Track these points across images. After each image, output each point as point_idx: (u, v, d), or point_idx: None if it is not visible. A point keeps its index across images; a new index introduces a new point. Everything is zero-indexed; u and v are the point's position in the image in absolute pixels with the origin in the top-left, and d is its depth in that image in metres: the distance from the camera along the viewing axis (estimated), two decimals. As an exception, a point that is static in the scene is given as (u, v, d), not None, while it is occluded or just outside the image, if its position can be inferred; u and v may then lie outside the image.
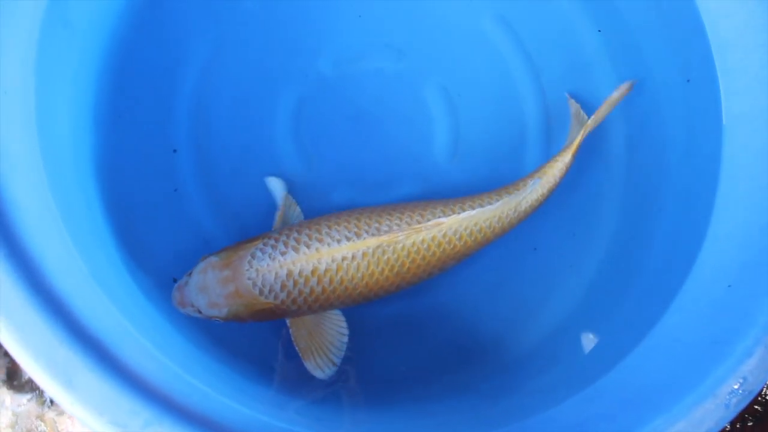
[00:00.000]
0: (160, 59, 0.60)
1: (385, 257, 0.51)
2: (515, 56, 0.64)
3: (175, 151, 0.60)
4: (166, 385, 0.38)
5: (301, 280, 0.50)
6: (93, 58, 0.55)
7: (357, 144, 0.62)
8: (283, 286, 0.50)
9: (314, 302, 0.51)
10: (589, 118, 0.59)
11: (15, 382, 0.57)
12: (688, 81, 0.57)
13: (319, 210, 0.57)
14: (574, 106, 0.61)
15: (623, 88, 0.60)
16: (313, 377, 0.53)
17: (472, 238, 0.54)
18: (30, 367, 0.33)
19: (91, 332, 0.36)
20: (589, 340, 0.55)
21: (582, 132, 0.59)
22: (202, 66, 0.61)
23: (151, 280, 0.52)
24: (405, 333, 0.61)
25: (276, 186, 0.59)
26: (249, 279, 0.50)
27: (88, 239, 0.47)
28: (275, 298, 0.50)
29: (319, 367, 0.53)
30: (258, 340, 0.57)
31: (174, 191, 0.59)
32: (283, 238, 0.51)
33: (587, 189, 0.62)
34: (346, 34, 0.63)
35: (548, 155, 0.64)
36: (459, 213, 0.53)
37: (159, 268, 0.53)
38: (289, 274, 0.50)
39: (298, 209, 0.58)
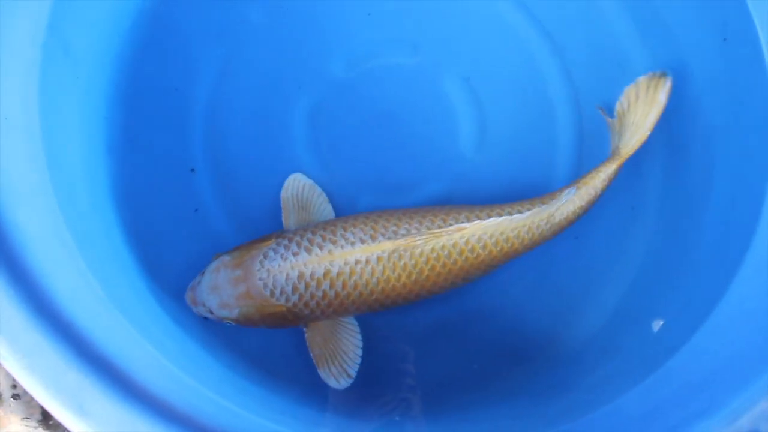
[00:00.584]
0: (169, 79, 0.59)
1: (402, 262, 0.48)
2: (535, 37, 0.61)
3: (192, 170, 0.58)
4: (188, 406, 0.35)
5: (313, 283, 0.48)
6: (99, 83, 0.54)
7: (378, 146, 0.59)
8: (294, 288, 0.48)
9: (327, 307, 0.49)
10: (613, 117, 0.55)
11: (51, 422, 0.56)
12: (725, 40, 0.53)
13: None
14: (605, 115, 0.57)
15: (667, 87, 0.54)
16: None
17: (498, 248, 0.50)
18: (38, 393, 0.30)
19: (102, 353, 0.33)
20: (649, 326, 0.51)
21: (634, 144, 0.54)
22: (213, 82, 0.60)
23: (176, 301, 0.50)
24: (448, 339, 0.57)
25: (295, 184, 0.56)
26: (260, 279, 0.48)
27: (107, 265, 0.45)
28: (287, 300, 0.48)
29: (333, 376, 0.50)
30: (290, 357, 0.54)
31: (195, 211, 0.57)
32: (297, 238, 0.49)
33: (627, 169, 0.58)
34: (357, 34, 0.61)
35: (580, 140, 0.60)
36: (484, 219, 0.49)
37: (183, 288, 0.51)
38: (301, 275, 0.48)
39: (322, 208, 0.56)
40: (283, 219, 0.54)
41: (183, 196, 0.57)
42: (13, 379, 0.57)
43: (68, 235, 0.42)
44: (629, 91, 0.55)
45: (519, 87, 0.61)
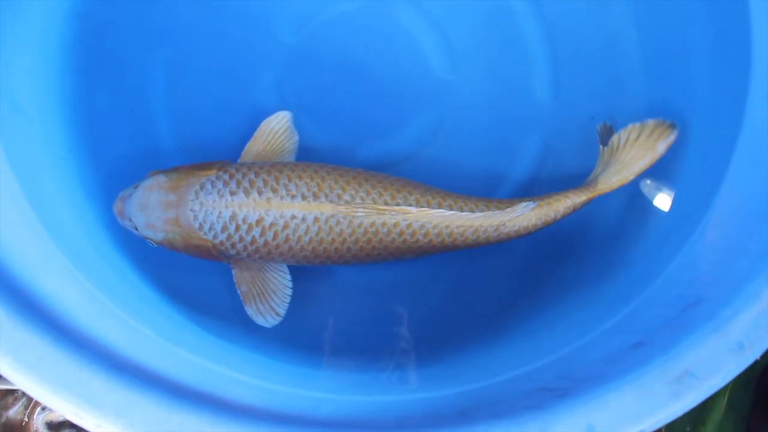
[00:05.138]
0: (121, 100, 0.57)
1: (339, 228, 0.47)
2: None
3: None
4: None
5: (244, 227, 0.47)
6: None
7: (354, 96, 0.58)
8: (224, 228, 0.47)
9: (254, 252, 0.48)
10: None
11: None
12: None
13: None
14: (604, 130, 0.53)
15: (669, 140, 0.50)
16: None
17: (439, 239, 0.49)
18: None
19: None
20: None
21: (614, 183, 0.50)
22: (166, 89, 0.57)
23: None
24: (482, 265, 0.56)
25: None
26: (191, 210, 0.47)
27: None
28: (214, 237, 0.48)
29: (261, 314, 0.50)
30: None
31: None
32: (238, 176, 0.48)
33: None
34: (292, -1, 0.58)
35: (553, 49, 0.58)
36: (432, 207, 0.48)
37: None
38: (233, 216, 0.47)
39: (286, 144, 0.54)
40: (246, 146, 0.53)
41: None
42: None
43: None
44: (632, 129, 0.51)
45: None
